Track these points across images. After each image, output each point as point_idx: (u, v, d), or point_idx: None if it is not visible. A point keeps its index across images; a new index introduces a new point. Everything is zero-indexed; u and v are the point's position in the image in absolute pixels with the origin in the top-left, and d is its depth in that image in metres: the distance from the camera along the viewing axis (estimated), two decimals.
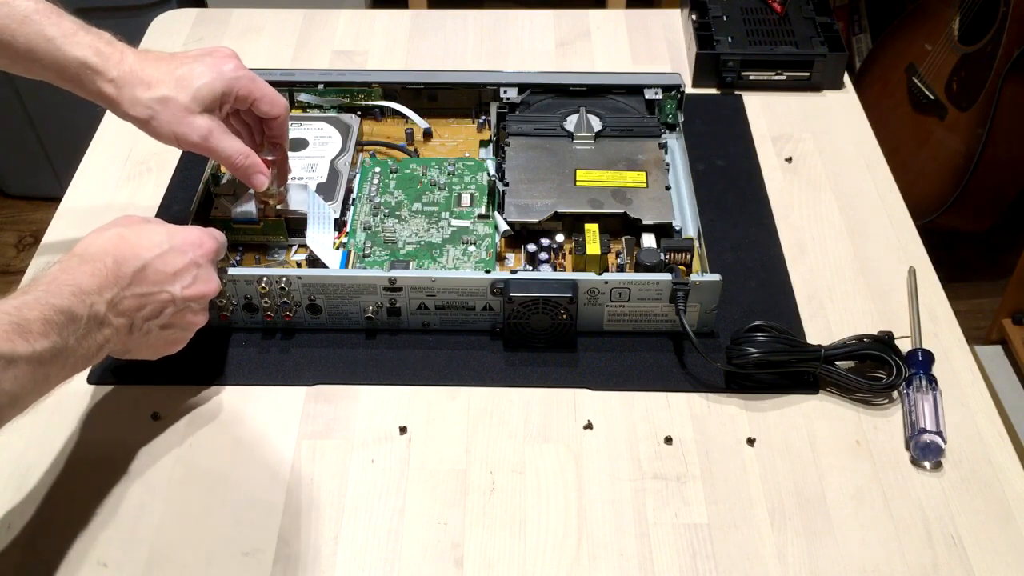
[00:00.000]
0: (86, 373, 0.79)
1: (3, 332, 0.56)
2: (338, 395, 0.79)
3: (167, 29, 1.20)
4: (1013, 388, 1.62)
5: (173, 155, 1.00)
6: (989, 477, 0.73)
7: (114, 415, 0.77)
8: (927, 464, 0.74)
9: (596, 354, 0.82)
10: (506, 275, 0.79)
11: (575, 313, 0.80)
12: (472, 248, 0.86)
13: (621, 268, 0.85)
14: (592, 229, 0.85)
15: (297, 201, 0.86)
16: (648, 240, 0.85)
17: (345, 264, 0.84)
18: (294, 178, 0.89)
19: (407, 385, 0.79)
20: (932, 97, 1.73)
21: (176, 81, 0.76)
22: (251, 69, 1.01)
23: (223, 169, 0.92)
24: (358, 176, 0.94)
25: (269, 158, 0.82)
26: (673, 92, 0.99)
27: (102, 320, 0.64)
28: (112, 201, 0.96)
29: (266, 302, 0.81)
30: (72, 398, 0.78)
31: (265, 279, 0.79)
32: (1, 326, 0.56)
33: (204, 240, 0.72)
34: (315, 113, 1.00)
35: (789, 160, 1.01)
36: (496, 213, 0.88)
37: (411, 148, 0.99)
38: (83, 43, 0.74)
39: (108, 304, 0.64)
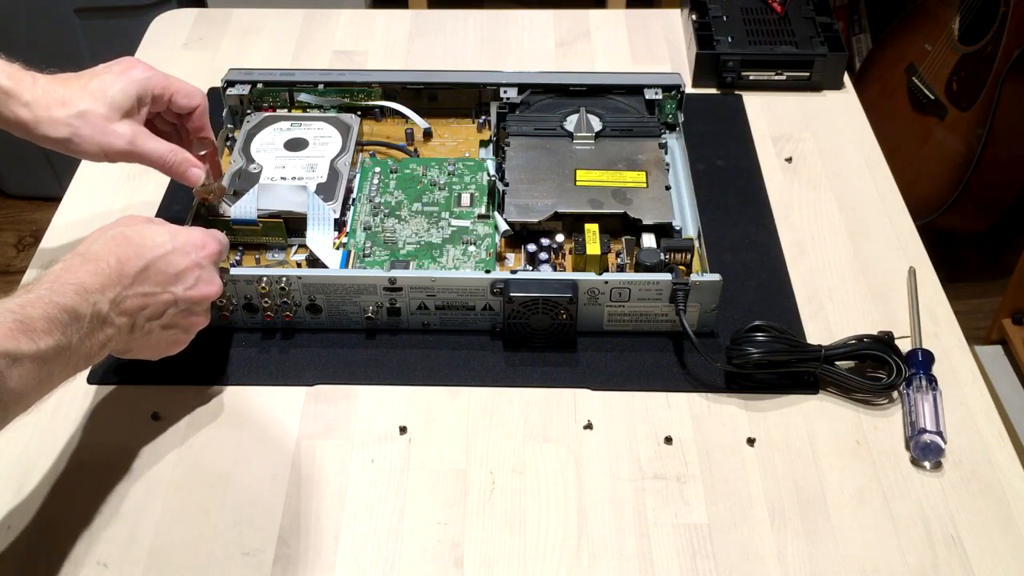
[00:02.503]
0: (86, 373, 0.79)
1: (8, 330, 0.56)
2: (338, 395, 0.79)
3: (167, 29, 1.20)
4: (1013, 388, 1.62)
5: None
6: (989, 477, 0.73)
7: (114, 415, 0.77)
8: (927, 464, 0.74)
9: (596, 354, 0.82)
10: (506, 275, 0.79)
11: (575, 313, 0.80)
12: (472, 248, 0.86)
13: (621, 268, 0.85)
14: (592, 229, 0.85)
15: (297, 202, 0.86)
16: (648, 240, 0.85)
17: (345, 264, 0.84)
18: (293, 178, 0.89)
19: (407, 385, 0.80)
20: (932, 97, 1.74)
21: (90, 95, 0.76)
22: (251, 69, 1.02)
23: (223, 169, 0.92)
24: (358, 176, 0.94)
25: (201, 153, 0.82)
26: (673, 92, 0.99)
27: (105, 319, 0.64)
28: (112, 201, 0.96)
29: (266, 302, 0.81)
30: (72, 398, 0.78)
31: (265, 279, 0.79)
32: (5, 324, 0.57)
33: (207, 242, 0.73)
34: (315, 113, 1.00)
35: (789, 160, 1.01)
36: (496, 213, 0.88)
37: (411, 148, 0.99)
38: None
39: (111, 303, 0.64)
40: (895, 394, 0.79)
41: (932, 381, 0.77)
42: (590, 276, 0.79)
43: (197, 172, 0.80)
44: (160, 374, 0.77)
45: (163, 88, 0.79)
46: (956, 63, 1.69)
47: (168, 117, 0.84)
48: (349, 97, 1.01)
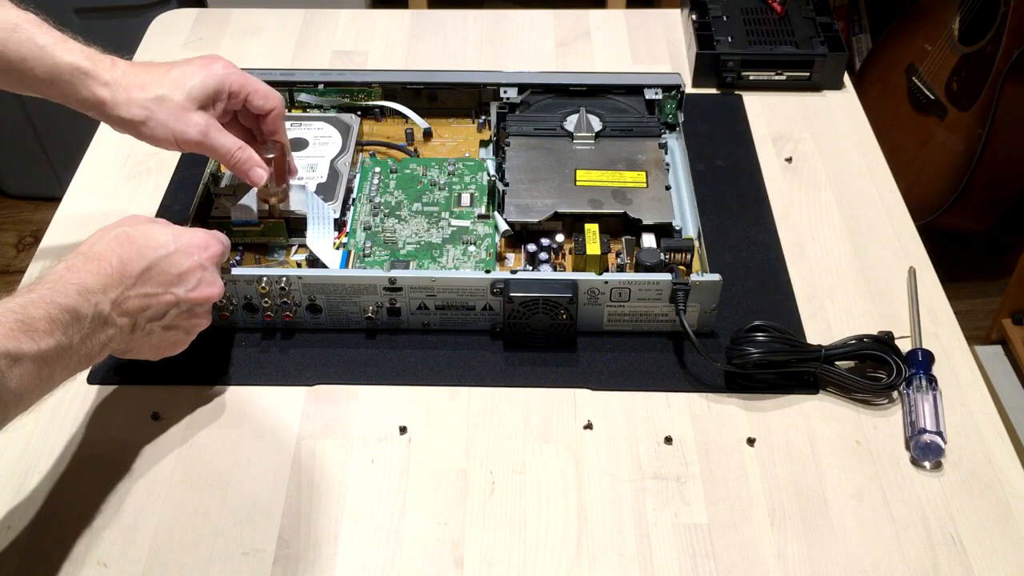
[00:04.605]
0: (87, 373, 0.79)
1: (8, 330, 0.56)
2: (338, 395, 0.79)
3: (167, 29, 1.20)
4: (1013, 388, 1.62)
5: (173, 156, 1.00)
6: (989, 477, 0.73)
7: (114, 415, 0.77)
8: (927, 464, 0.74)
9: (596, 354, 0.82)
10: (506, 275, 0.79)
11: (575, 313, 0.80)
12: (472, 248, 0.86)
13: (621, 268, 0.85)
14: (592, 229, 0.85)
15: (296, 201, 0.86)
16: (648, 240, 0.85)
17: (345, 264, 0.84)
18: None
19: (407, 385, 0.80)
20: (932, 97, 1.74)
21: (170, 82, 0.76)
22: (251, 69, 1.02)
23: (223, 169, 0.92)
24: (358, 176, 0.94)
25: (269, 156, 0.82)
26: (673, 92, 0.99)
27: (106, 319, 0.64)
28: (112, 202, 0.96)
29: (266, 302, 0.81)
30: (73, 398, 0.78)
31: (265, 279, 0.79)
32: (7, 324, 0.57)
33: (210, 243, 0.72)
34: (315, 113, 1.00)
35: (789, 160, 1.01)
36: (496, 213, 0.88)
37: (411, 148, 0.99)
38: (74, 49, 0.75)
39: (112, 303, 0.64)
40: (895, 394, 0.79)
41: (932, 381, 0.77)
42: (590, 276, 0.79)
43: (260, 173, 0.80)
44: (160, 374, 0.77)
45: (240, 86, 0.79)
46: (956, 63, 1.69)
47: (244, 120, 0.84)
48: (349, 97, 1.01)
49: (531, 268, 0.85)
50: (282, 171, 0.85)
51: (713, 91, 1.11)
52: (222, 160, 0.79)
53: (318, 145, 0.94)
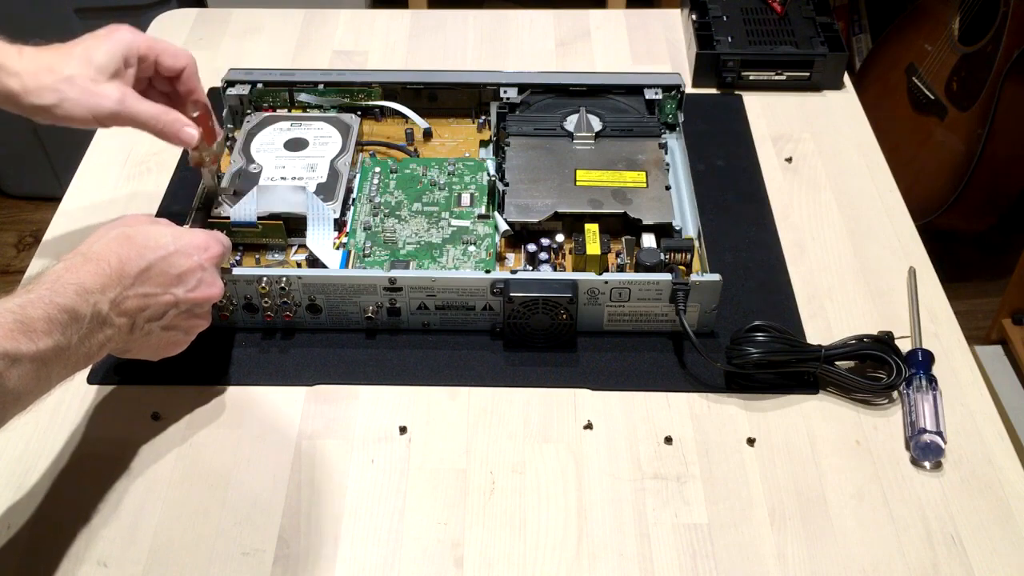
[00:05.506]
0: (86, 373, 0.79)
1: (7, 330, 0.56)
2: (338, 395, 0.79)
3: (167, 29, 1.20)
4: (1013, 388, 1.62)
5: (173, 155, 1.00)
6: (989, 477, 0.73)
7: (114, 415, 0.77)
8: (927, 464, 0.74)
9: (596, 354, 0.82)
10: (506, 275, 0.79)
11: (575, 313, 0.80)
12: (472, 248, 0.86)
13: (621, 268, 0.85)
14: (592, 229, 0.85)
15: (296, 202, 0.86)
16: (648, 240, 0.85)
17: (345, 264, 0.84)
18: (293, 178, 0.89)
19: (407, 385, 0.80)
20: (932, 97, 1.74)
21: (76, 59, 0.75)
22: (251, 69, 1.02)
23: (223, 169, 0.92)
24: (358, 176, 0.94)
25: (194, 115, 0.80)
26: (673, 92, 0.99)
27: (104, 319, 0.64)
28: (112, 201, 0.96)
29: (266, 302, 0.81)
30: (72, 398, 0.78)
31: (265, 279, 0.79)
32: (5, 324, 0.57)
33: (210, 243, 0.72)
34: (315, 113, 1.00)
35: (789, 160, 1.01)
36: (496, 213, 0.88)
37: (411, 148, 0.99)
38: None
39: (111, 303, 0.64)
40: (895, 394, 0.79)
41: (932, 381, 0.77)
42: (590, 276, 0.79)
43: (191, 132, 0.78)
44: (160, 374, 0.77)
45: (148, 48, 0.78)
46: (956, 63, 1.69)
47: (160, 86, 0.82)
48: (349, 97, 1.01)
49: (531, 268, 0.85)
50: (210, 130, 0.83)
51: (713, 91, 1.11)
52: (147, 128, 0.77)
53: (318, 145, 0.93)
